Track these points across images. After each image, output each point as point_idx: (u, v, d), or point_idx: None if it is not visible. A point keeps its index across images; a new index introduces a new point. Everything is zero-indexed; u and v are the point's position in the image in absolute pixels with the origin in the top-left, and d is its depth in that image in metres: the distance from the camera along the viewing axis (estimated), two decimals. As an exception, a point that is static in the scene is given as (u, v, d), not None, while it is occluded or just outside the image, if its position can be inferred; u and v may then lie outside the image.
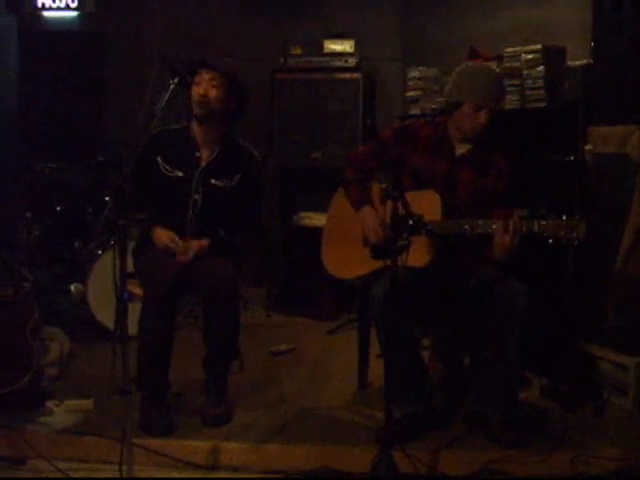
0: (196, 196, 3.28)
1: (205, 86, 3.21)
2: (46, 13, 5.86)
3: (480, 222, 2.89)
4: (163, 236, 3.22)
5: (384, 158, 3.21)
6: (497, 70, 3.84)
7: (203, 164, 3.31)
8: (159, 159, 3.29)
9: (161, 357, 3.14)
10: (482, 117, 3.06)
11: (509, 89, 3.94)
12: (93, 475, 2.85)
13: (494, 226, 2.84)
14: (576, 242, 2.70)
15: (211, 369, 3.26)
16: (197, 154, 3.31)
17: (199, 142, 3.32)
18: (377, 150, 3.24)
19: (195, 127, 3.33)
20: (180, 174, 3.29)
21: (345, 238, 3.30)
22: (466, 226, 2.90)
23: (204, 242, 3.23)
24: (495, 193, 3.13)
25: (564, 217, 2.71)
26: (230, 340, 3.26)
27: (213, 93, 3.21)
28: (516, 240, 2.79)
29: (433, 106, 4.66)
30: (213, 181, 3.30)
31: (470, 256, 3.09)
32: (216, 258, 3.22)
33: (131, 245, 3.05)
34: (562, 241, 2.71)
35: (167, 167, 3.29)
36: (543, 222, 2.75)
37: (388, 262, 2.64)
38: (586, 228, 2.66)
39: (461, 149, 3.18)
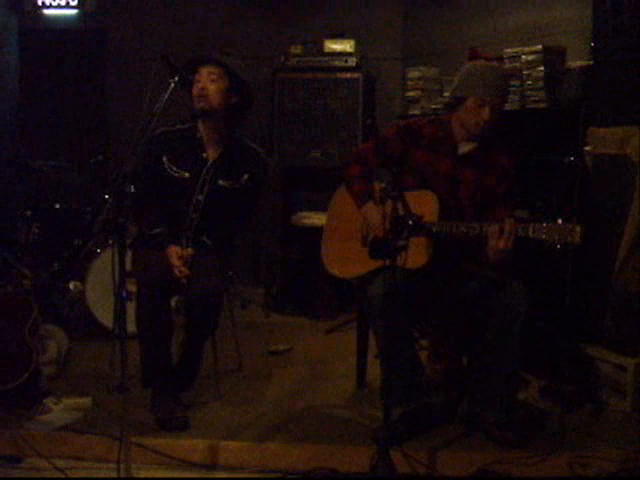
0: (200, 196, 3.28)
1: (203, 81, 3.20)
2: (47, 11, 5.85)
3: (476, 224, 2.86)
4: (173, 256, 3.16)
5: (386, 155, 3.17)
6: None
7: (209, 163, 3.30)
8: (164, 159, 3.28)
9: (163, 348, 3.14)
10: (485, 113, 3.00)
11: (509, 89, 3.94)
12: (90, 473, 2.84)
13: (490, 228, 2.82)
14: (571, 247, 2.66)
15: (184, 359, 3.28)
16: (204, 154, 3.30)
17: (205, 142, 3.31)
18: (380, 147, 3.19)
19: (200, 126, 3.31)
20: (187, 175, 3.28)
21: (345, 237, 3.28)
22: (462, 228, 2.88)
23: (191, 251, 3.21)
24: (497, 193, 3.09)
25: (560, 221, 2.67)
26: (201, 348, 3.27)
27: (212, 87, 3.20)
28: (510, 243, 2.75)
29: (433, 106, 4.66)
30: (220, 182, 3.29)
31: (469, 258, 3.08)
32: (206, 261, 3.20)
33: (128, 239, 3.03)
34: (557, 246, 2.67)
35: (173, 168, 3.29)
36: (538, 226, 2.71)
37: (387, 262, 2.63)
38: (582, 233, 2.61)
39: (464, 148, 3.14)
